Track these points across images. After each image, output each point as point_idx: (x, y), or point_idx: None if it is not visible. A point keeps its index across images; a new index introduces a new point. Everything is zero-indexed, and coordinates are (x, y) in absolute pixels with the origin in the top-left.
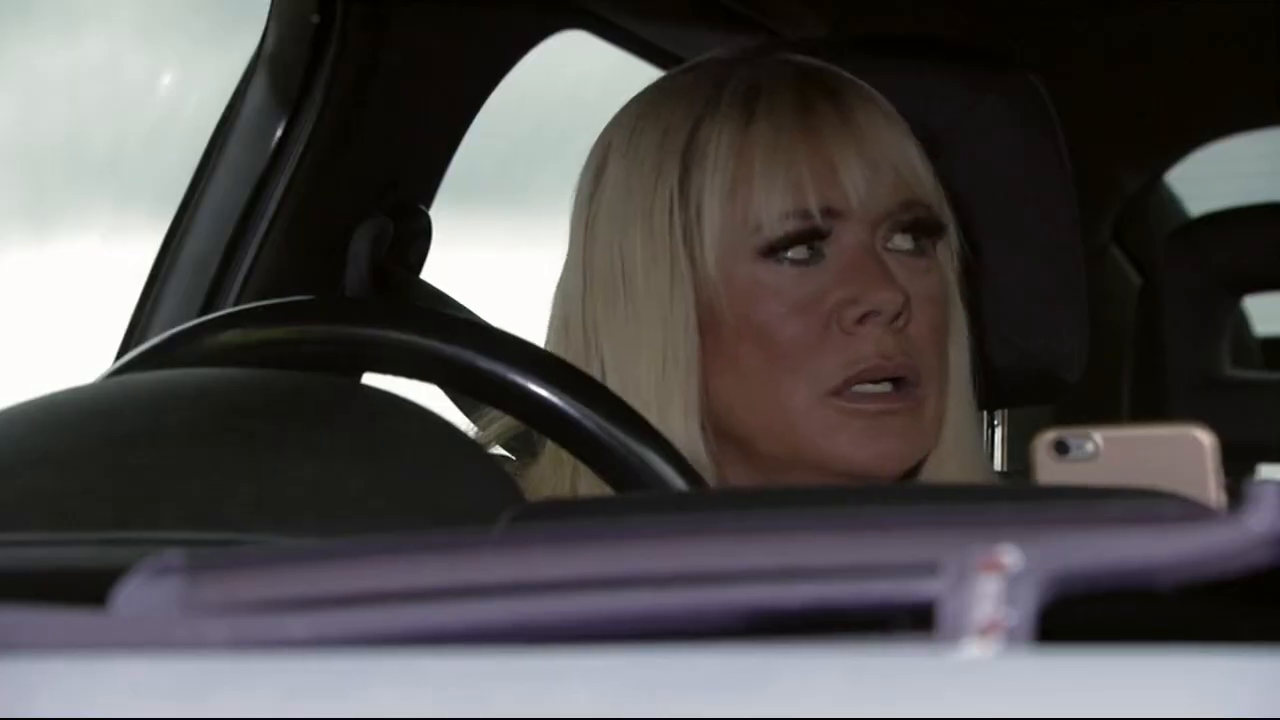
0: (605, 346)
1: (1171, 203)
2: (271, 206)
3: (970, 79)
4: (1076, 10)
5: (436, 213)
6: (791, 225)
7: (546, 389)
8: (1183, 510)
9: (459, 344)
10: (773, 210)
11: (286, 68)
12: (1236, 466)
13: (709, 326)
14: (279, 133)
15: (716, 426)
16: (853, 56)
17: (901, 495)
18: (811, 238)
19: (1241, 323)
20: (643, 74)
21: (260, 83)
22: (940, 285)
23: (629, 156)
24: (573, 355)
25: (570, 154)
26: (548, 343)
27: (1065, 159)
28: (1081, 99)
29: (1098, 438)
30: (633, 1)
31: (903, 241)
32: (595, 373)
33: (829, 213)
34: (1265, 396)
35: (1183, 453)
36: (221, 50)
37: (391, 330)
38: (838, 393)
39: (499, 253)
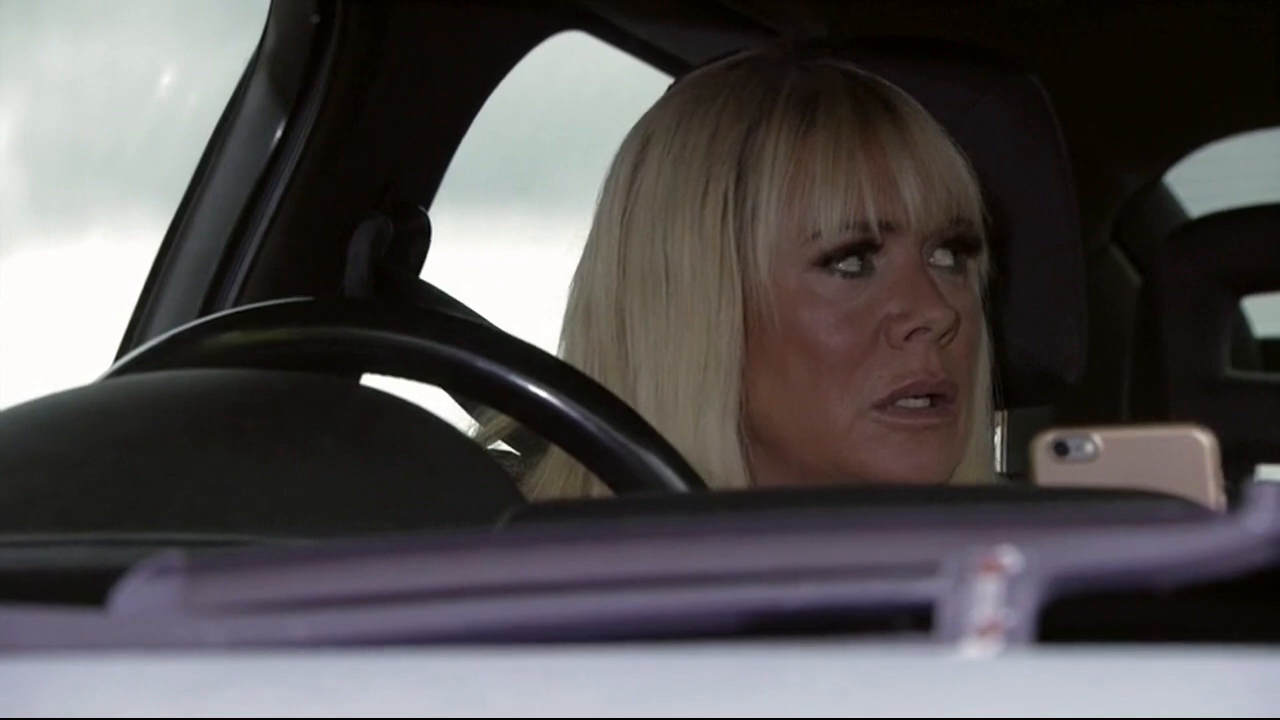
0: (640, 341)
1: (1171, 203)
2: (271, 206)
3: (970, 79)
4: (1076, 10)
5: (437, 212)
6: (850, 236)
7: (546, 391)
8: (1182, 511)
9: (458, 345)
10: (832, 219)
11: (286, 68)
12: (1236, 467)
13: (754, 331)
14: (279, 133)
15: (752, 430)
16: (852, 57)
17: (901, 496)
18: (865, 250)
19: (1241, 323)
20: (642, 75)
21: (260, 83)
22: (973, 301)
23: (674, 152)
24: (599, 345)
25: (570, 154)
26: (566, 329)
27: (1065, 159)
28: (1081, 99)
29: (1097, 439)
30: (632, 2)
31: (944, 258)
32: (626, 365)
33: (886, 226)
34: (1265, 397)
35: (1182, 454)
36: (221, 50)
37: (391, 331)
38: (881, 406)
39: (501, 252)
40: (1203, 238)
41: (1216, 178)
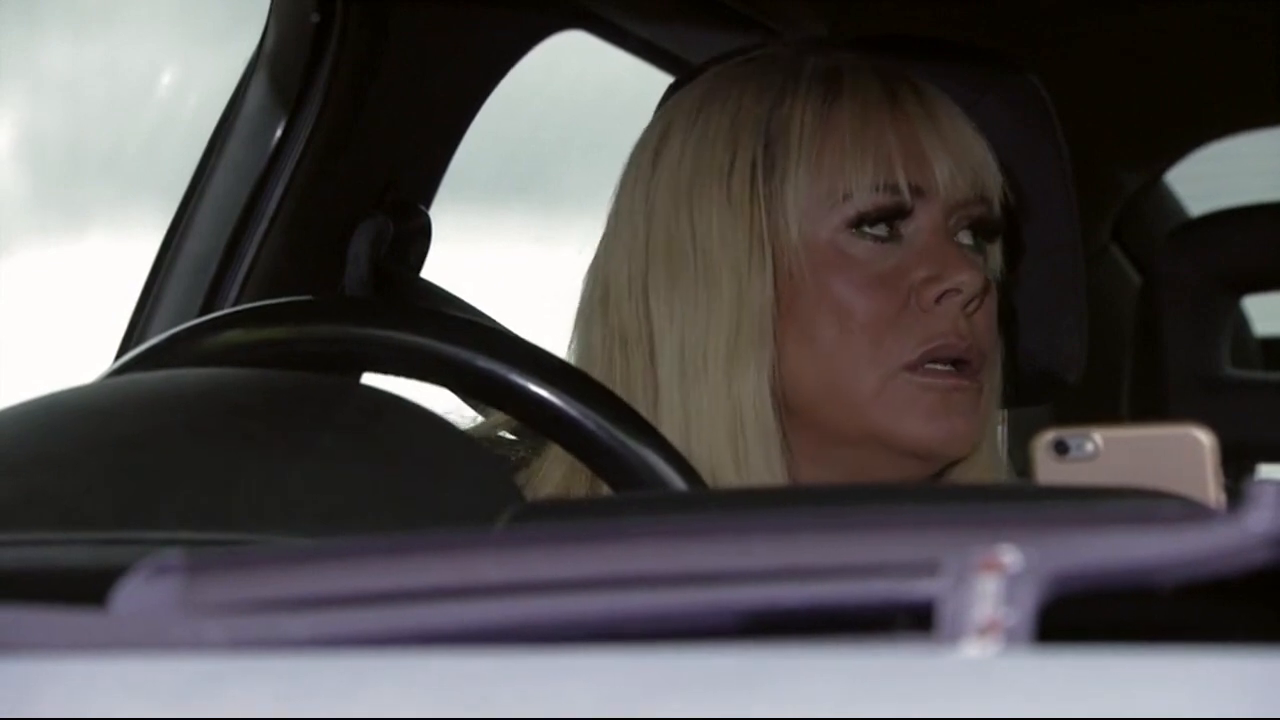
0: (666, 317)
1: (1171, 202)
2: (271, 206)
3: (970, 79)
4: (1076, 10)
5: (437, 212)
6: (882, 198)
7: (546, 389)
8: (1182, 510)
9: (458, 344)
10: (863, 181)
11: (286, 68)
12: (1236, 466)
13: (784, 296)
14: (279, 133)
15: (783, 397)
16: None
17: (901, 495)
18: (896, 214)
19: (1241, 323)
20: (642, 75)
21: (260, 83)
22: (991, 282)
23: (695, 132)
24: (618, 327)
25: (570, 153)
26: (580, 319)
27: (1065, 159)
28: (1081, 99)
29: (1097, 438)
30: (632, 2)
31: (965, 238)
32: (650, 341)
33: (915, 190)
34: (1265, 396)
35: (1182, 453)
36: (221, 50)
37: (391, 330)
38: (912, 368)
39: (502, 251)
40: (1203, 237)
41: (1216, 177)
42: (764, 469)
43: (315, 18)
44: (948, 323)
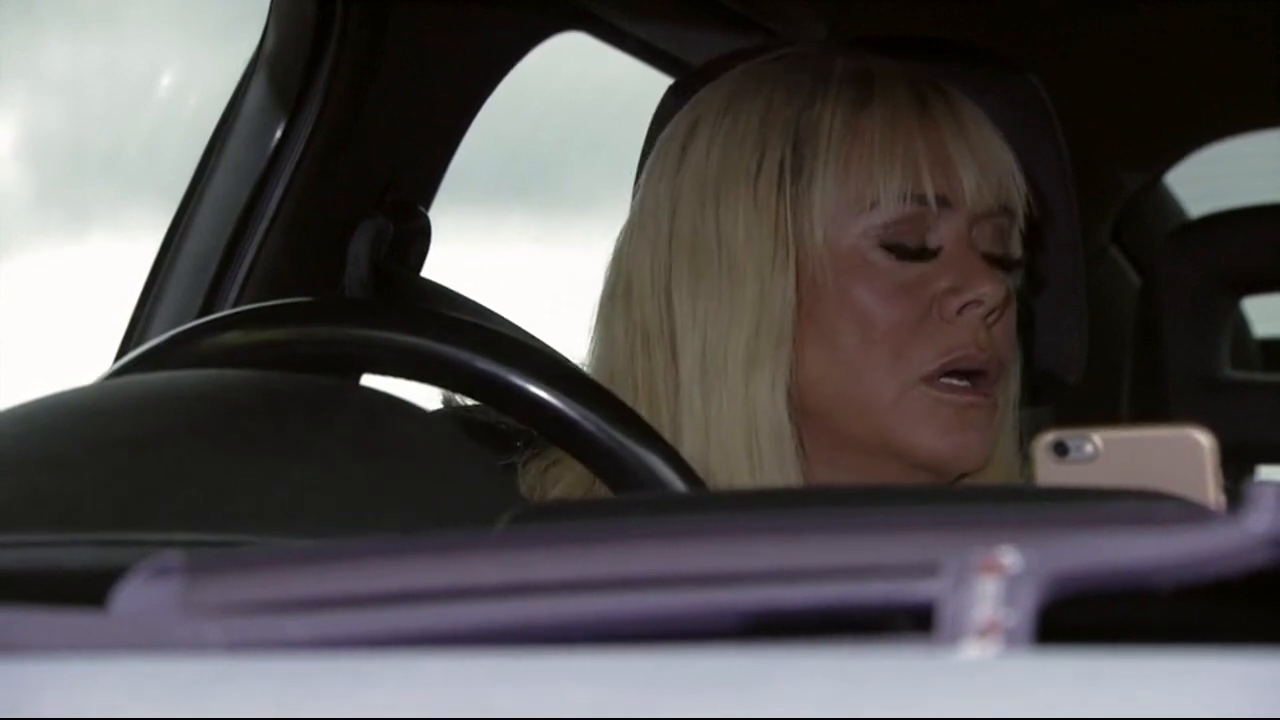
0: (688, 313)
1: (1171, 203)
2: (271, 206)
3: (970, 79)
4: (1076, 10)
5: (438, 212)
6: (908, 208)
7: (546, 390)
8: (1181, 512)
9: (458, 345)
10: (890, 189)
11: (286, 68)
12: (1236, 467)
13: (806, 299)
14: (279, 133)
15: (800, 401)
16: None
17: (901, 496)
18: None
19: (1241, 323)
20: (642, 75)
21: (260, 83)
22: (1011, 291)
23: (724, 130)
24: (640, 321)
25: (570, 154)
26: (602, 311)
27: (1065, 159)
28: (1081, 99)
29: (1097, 439)
30: (632, 2)
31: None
32: (671, 337)
33: (942, 201)
34: (1265, 397)
35: (1182, 454)
36: (221, 50)
37: (391, 331)
38: (930, 379)
39: (502, 251)
40: (1203, 238)
41: (1216, 178)
42: (778, 472)
43: (315, 18)
44: (968, 334)
